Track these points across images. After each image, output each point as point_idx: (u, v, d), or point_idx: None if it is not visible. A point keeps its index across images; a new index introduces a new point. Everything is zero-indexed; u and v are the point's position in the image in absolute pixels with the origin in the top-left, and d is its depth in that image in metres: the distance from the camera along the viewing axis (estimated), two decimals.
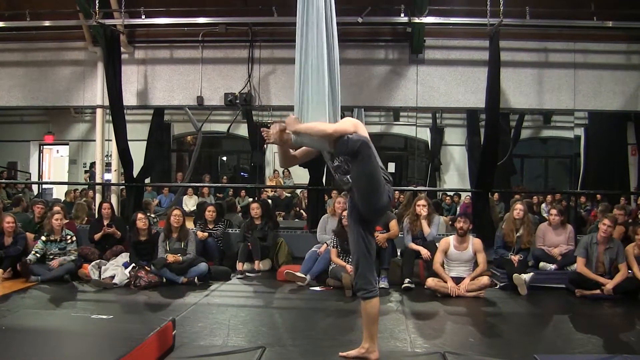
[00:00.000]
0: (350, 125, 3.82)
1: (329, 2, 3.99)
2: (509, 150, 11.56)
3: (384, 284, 6.87)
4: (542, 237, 7.45)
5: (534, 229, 7.50)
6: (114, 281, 6.84)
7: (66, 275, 7.02)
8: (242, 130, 13.57)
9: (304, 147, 4.19)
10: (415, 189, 10.95)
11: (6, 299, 6.15)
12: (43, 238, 7.29)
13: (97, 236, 7.94)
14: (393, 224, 7.27)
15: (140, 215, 7.56)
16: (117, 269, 7.06)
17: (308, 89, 3.97)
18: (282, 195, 13.15)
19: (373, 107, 11.13)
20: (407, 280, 6.88)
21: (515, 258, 7.15)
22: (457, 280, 6.59)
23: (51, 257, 7.20)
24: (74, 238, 7.43)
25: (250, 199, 11.60)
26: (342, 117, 4.04)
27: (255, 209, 8.24)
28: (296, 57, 4.01)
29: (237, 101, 8.95)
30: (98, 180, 9.50)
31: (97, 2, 8.06)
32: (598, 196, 11.58)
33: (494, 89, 7.88)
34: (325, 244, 7.39)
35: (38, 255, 7.14)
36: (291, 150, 4.19)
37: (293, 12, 4.04)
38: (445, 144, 14.01)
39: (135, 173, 9.14)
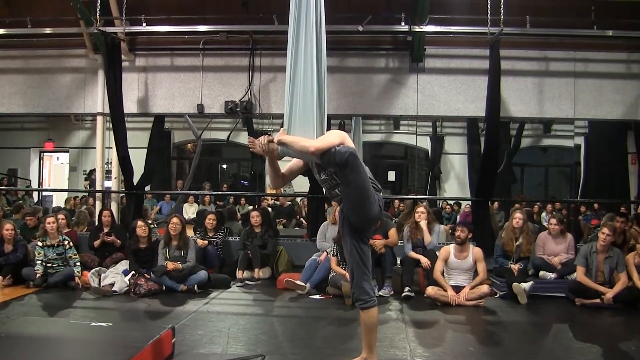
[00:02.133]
0: (336, 137, 3.79)
1: (320, 12, 4.00)
2: (505, 157, 11.59)
3: (386, 291, 6.88)
4: (542, 245, 7.44)
5: (534, 238, 7.50)
6: (113, 288, 6.84)
7: (70, 282, 7.08)
8: (243, 138, 13.53)
9: (290, 166, 4.18)
10: (415, 197, 10.94)
11: (6, 305, 6.15)
12: (39, 243, 7.23)
13: (96, 243, 7.95)
14: (392, 232, 7.28)
15: (140, 223, 7.56)
16: (116, 276, 7.06)
17: (297, 96, 3.95)
18: (284, 203, 13.14)
19: (373, 115, 11.16)
20: (407, 288, 6.87)
21: (515, 267, 7.14)
22: (457, 288, 6.58)
23: (49, 264, 7.14)
24: (71, 243, 7.38)
25: (251, 207, 11.59)
26: (339, 127, 4.03)
27: (255, 217, 8.23)
28: (287, 64, 4.01)
29: (238, 109, 8.95)
30: (98, 187, 9.50)
31: (98, 9, 8.07)
32: (595, 205, 11.59)
33: (494, 97, 7.90)
34: (325, 252, 7.38)
35: (43, 264, 7.11)
36: (280, 165, 4.15)
37: None
38: (446, 152, 14.01)
39: (135, 180, 9.13)
